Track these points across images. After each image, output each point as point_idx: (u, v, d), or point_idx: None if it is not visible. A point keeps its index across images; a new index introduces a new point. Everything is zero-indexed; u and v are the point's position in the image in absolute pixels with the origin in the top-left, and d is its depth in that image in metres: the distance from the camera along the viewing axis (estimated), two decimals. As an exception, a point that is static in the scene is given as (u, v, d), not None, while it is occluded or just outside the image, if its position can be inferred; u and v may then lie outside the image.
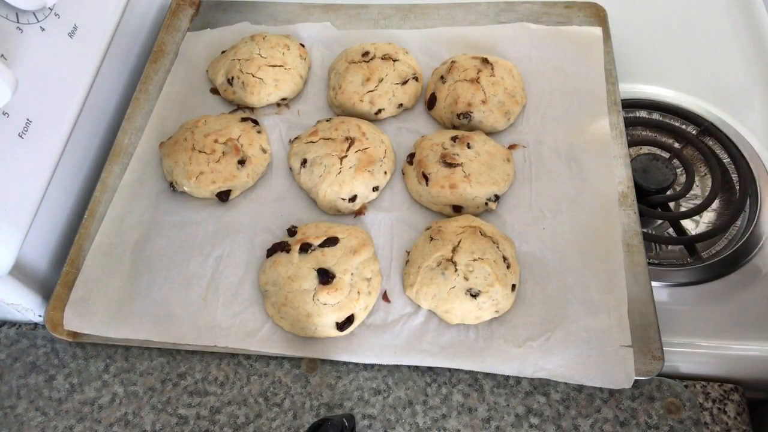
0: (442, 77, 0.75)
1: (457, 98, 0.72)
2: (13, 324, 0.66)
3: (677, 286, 0.68)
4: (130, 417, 0.59)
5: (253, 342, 0.61)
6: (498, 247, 0.61)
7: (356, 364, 0.61)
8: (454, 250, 0.61)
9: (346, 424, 0.49)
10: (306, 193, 0.71)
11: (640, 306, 0.61)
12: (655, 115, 0.85)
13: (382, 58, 0.76)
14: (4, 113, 0.56)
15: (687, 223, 0.76)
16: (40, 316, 0.65)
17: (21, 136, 0.57)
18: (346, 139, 0.69)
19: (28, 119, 0.58)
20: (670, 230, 0.76)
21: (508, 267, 0.61)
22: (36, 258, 0.66)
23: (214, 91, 0.80)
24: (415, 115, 0.77)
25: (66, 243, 0.70)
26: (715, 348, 0.63)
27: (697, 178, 0.79)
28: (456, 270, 0.60)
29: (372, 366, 0.61)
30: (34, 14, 0.59)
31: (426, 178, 0.67)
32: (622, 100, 0.76)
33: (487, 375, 0.59)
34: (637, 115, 0.85)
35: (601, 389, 0.58)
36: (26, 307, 0.64)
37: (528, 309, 0.61)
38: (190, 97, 0.80)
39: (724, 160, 0.79)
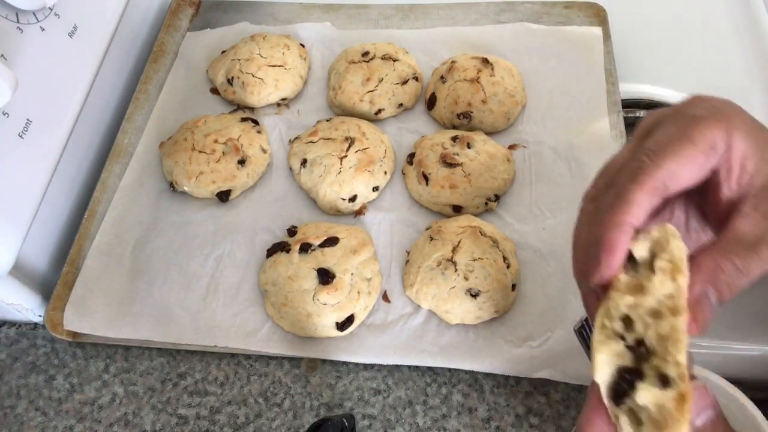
0: (442, 77, 0.75)
1: (457, 98, 0.72)
2: (13, 324, 0.66)
3: (677, 286, 0.68)
4: (130, 417, 0.59)
5: (253, 342, 0.61)
6: (498, 247, 0.61)
7: (356, 364, 0.61)
8: (454, 250, 0.61)
9: (346, 424, 0.49)
10: (306, 193, 0.71)
11: (640, 306, 0.61)
12: (655, 115, 0.85)
13: (382, 58, 0.76)
14: (4, 113, 0.55)
15: (687, 223, 0.76)
16: (40, 316, 0.65)
17: (21, 136, 0.57)
18: (346, 139, 0.69)
19: (28, 119, 0.58)
20: (670, 230, 0.76)
21: (508, 267, 0.61)
22: (36, 258, 0.66)
23: (214, 91, 0.80)
24: (415, 115, 0.77)
25: (66, 243, 0.70)
26: (715, 348, 0.63)
27: (697, 178, 0.79)
28: (456, 270, 0.60)
29: (372, 366, 0.61)
30: (34, 14, 0.59)
31: (426, 178, 0.67)
32: (622, 100, 0.76)
33: (487, 375, 0.59)
34: (637, 115, 0.85)
35: (601, 389, 0.58)
36: (26, 307, 0.64)
37: (528, 309, 0.61)
38: (190, 97, 0.80)
39: (724, 160, 0.79)
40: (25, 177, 0.59)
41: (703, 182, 0.32)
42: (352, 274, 0.61)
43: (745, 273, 0.30)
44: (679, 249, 0.31)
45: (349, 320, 0.60)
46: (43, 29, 0.60)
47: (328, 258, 0.61)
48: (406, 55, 0.78)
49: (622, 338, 0.31)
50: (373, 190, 0.69)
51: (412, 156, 0.71)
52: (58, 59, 0.62)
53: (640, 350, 0.31)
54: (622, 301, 0.31)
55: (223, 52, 0.82)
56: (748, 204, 0.31)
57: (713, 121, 0.30)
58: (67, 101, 0.64)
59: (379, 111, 0.75)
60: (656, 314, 0.30)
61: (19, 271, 0.62)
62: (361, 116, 0.75)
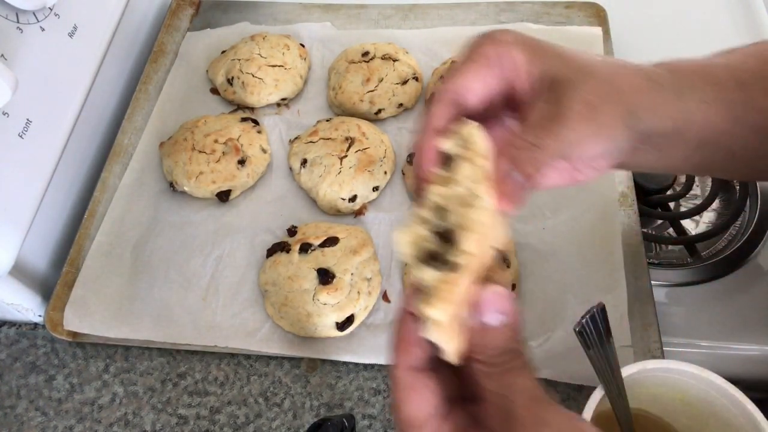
0: (442, 77, 0.75)
1: (457, 98, 0.72)
2: (13, 324, 0.66)
3: (677, 286, 0.68)
4: (130, 417, 0.59)
5: (253, 342, 0.61)
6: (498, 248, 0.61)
7: (356, 364, 0.61)
8: (454, 250, 0.60)
9: (346, 424, 0.49)
10: (306, 193, 0.71)
11: (640, 306, 0.61)
12: (655, 115, 0.84)
13: (382, 58, 0.76)
14: (4, 113, 0.55)
15: (687, 223, 0.76)
16: (40, 316, 0.65)
17: (21, 136, 0.57)
18: (346, 139, 0.69)
19: (28, 119, 0.58)
20: (670, 230, 0.76)
21: (508, 267, 0.61)
22: (36, 258, 0.66)
23: (214, 91, 0.80)
24: (415, 115, 0.77)
25: (66, 243, 0.70)
26: (715, 348, 0.63)
27: (697, 178, 0.79)
28: (456, 270, 0.59)
29: (372, 366, 0.61)
30: (34, 14, 0.59)
31: (426, 178, 0.67)
32: (622, 99, 0.75)
33: (487, 375, 0.59)
34: (637, 115, 0.85)
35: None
36: (26, 307, 0.64)
37: (528, 309, 0.61)
38: (190, 97, 0.80)
39: (724, 160, 0.79)
40: (25, 177, 0.59)
41: (509, 95, 0.38)
42: (352, 274, 0.61)
43: (540, 146, 0.35)
44: (480, 137, 0.34)
45: (349, 320, 0.60)
46: (43, 29, 0.60)
47: (328, 258, 0.61)
48: (406, 55, 0.78)
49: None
50: (373, 190, 0.69)
51: (412, 156, 0.71)
52: (58, 59, 0.62)
53: (447, 237, 0.33)
54: (434, 191, 0.33)
55: (223, 52, 0.82)
56: (537, 99, 0.37)
57: (489, 42, 0.37)
58: (67, 101, 0.64)
59: (379, 111, 0.75)
60: (468, 204, 0.33)
61: (19, 271, 0.62)
62: (361, 116, 0.75)
